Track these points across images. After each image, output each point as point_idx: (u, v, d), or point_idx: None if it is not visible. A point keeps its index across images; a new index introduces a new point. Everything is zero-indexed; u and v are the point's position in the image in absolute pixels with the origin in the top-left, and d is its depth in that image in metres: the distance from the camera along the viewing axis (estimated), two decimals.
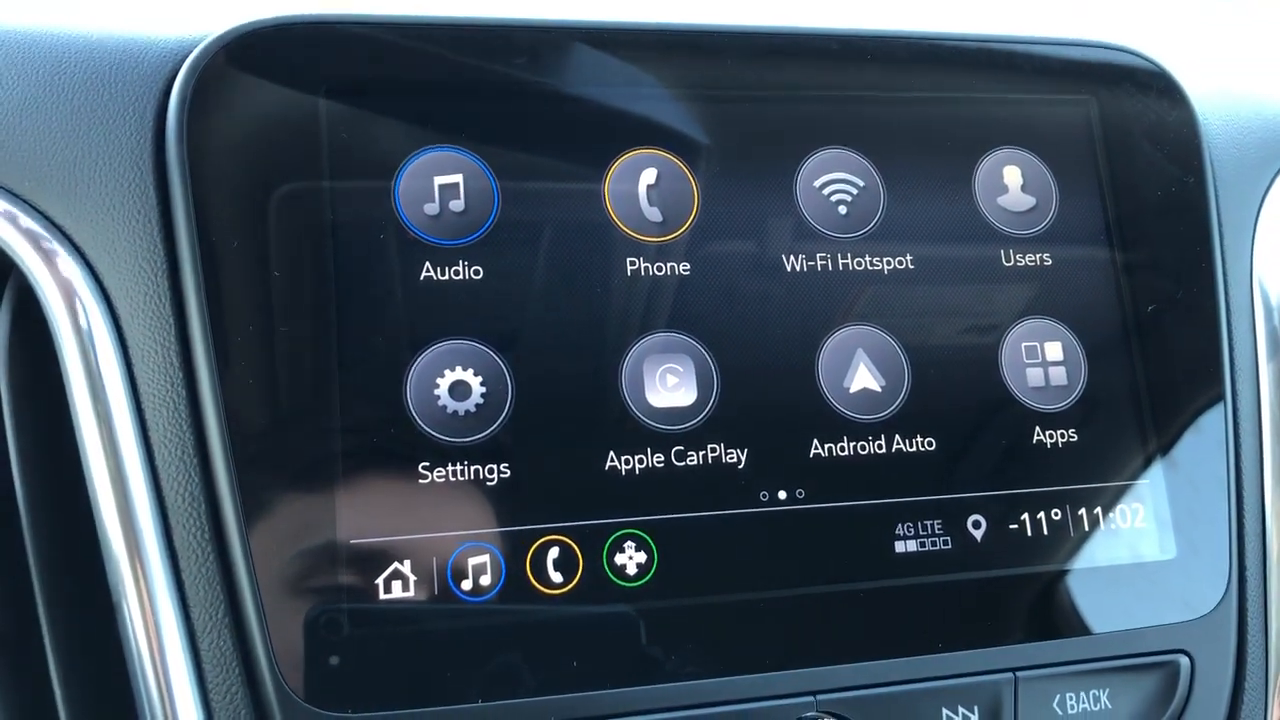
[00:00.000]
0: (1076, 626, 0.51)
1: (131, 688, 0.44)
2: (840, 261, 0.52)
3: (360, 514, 0.45)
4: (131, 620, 0.44)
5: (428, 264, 0.48)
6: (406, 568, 0.45)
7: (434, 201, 0.48)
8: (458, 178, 0.49)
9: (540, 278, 0.49)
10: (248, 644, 0.44)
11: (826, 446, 0.50)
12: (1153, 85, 0.59)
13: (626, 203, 0.50)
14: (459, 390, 0.47)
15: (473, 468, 0.46)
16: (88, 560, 0.45)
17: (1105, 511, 0.52)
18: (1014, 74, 0.57)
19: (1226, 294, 0.57)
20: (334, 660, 0.44)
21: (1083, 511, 0.52)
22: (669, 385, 0.49)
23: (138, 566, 0.44)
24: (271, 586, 0.44)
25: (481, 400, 0.47)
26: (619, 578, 0.47)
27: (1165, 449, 0.54)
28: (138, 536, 0.44)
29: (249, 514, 0.44)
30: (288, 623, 0.44)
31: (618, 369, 0.49)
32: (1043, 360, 0.54)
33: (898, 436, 0.51)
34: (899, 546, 0.49)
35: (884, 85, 0.55)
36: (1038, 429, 0.53)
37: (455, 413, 0.47)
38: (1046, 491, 0.52)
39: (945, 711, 0.48)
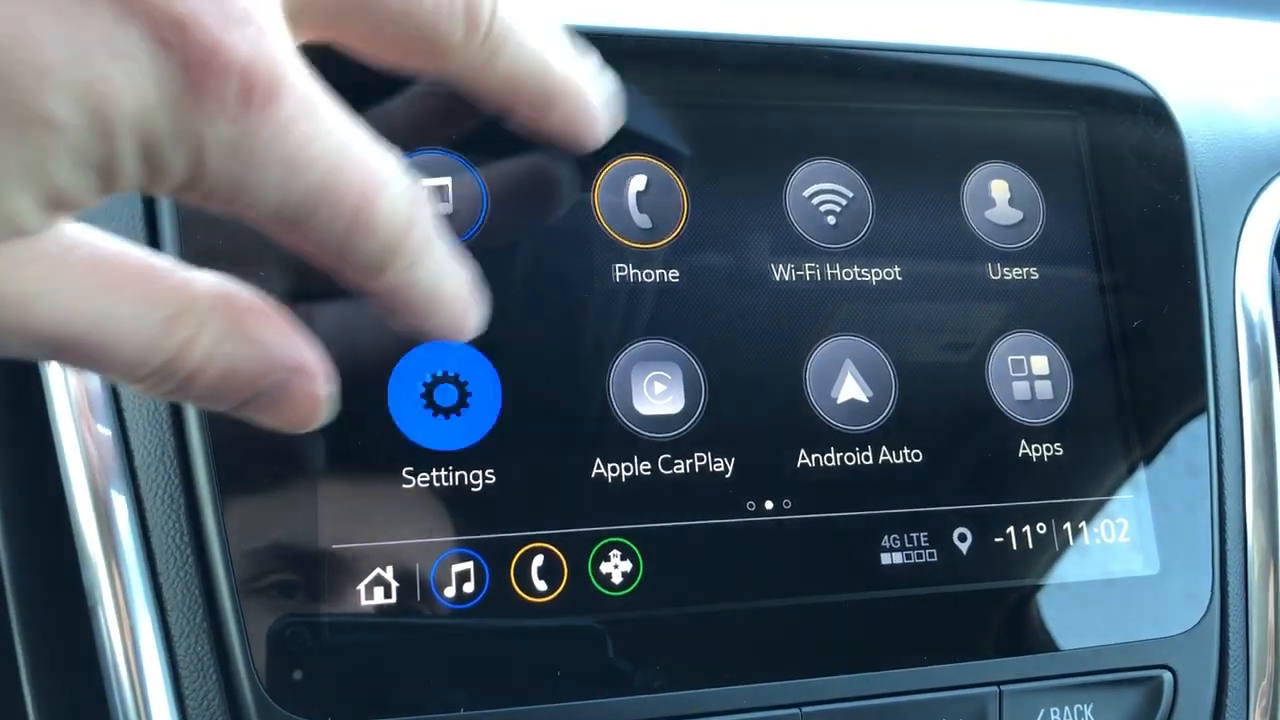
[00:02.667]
0: (1061, 641, 0.50)
1: (105, 693, 0.44)
2: (829, 272, 0.52)
3: (342, 519, 0.44)
4: (107, 624, 0.43)
5: None
6: (389, 574, 0.44)
7: None
8: (445, 180, 0.48)
9: (527, 283, 0.48)
10: (225, 650, 0.43)
11: (814, 457, 0.50)
12: (1139, 102, 0.59)
13: (615, 209, 0.50)
14: (444, 395, 0.46)
15: (457, 473, 0.46)
16: (62, 564, 0.44)
17: (1089, 526, 0.52)
18: (1003, 88, 0.58)
19: (1210, 311, 0.57)
20: (314, 667, 0.43)
21: (1067, 526, 0.52)
22: (657, 393, 0.49)
23: (114, 570, 0.43)
24: (250, 591, 0.43)
25: (467, 405, 0.46)
26: (604, 587, 0.46)
27: (1149, 464, 0.54)
28: (115, 539, 0.43)
29: (228, 518, 0.43)
30: (266, 628, 0.43)
31: (605, 376, 0.48)
32: (1029, 374, 0.54)
33: (885, 448, 0.51)
34: (885, 558, 0.49)
35: (875, 97, 0.55)
36: (1023, 442, 0.52)
37: (440, 417, 0.46)
38: (1031, 505, 0.52)
39: None
